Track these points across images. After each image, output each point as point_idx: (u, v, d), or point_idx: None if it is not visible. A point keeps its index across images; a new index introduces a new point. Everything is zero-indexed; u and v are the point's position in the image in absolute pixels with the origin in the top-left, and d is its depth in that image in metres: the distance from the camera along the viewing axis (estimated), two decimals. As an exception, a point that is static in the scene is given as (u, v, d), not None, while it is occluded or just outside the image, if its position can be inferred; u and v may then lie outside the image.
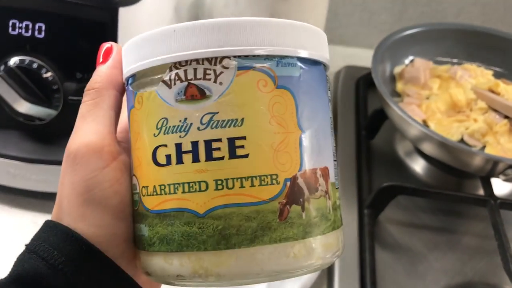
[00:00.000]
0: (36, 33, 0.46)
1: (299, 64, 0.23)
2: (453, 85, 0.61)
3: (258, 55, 0.22)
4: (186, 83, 0.22)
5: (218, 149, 0.22)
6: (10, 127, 0.51)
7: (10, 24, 0.46)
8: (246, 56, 0.22)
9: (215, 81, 0.22)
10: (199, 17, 0.69)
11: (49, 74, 0.46)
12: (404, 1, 0.77)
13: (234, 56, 0.22)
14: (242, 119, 0.22)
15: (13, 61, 0.46)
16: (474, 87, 0.61)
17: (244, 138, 0.22)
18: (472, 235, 0.55)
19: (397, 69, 0.65)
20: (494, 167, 0.49)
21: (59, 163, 0.50)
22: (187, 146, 0.22)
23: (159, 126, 0.22)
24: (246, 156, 0.22)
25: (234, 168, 0.22)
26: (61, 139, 0.51)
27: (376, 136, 0.64)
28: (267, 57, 0.22)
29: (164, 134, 0.22)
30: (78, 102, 0.46)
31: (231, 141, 0.22)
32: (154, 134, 0.23)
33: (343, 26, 0.82)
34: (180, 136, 0.22)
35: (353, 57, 0.81)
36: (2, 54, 0.46)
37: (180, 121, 0.22)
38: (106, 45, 0.27)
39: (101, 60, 0.27)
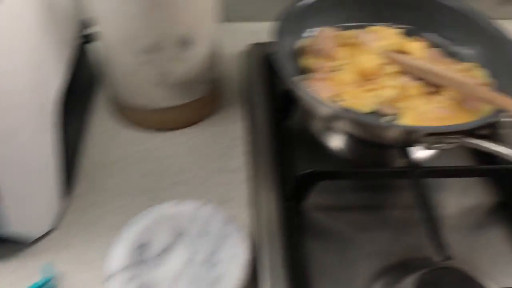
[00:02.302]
0: None
1: None
2: (360, 52, 0.58)
3: None
4: None
5: None
6: None
7: None
8: None
9: None
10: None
11: None
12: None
13: None
14: None
15: None
16: (384, 51, 0.57)
17: None
18: (400, 208, 0.52)
19: (300, 43, 0.61)
20: (411, 136, 0.46)
21: None
22: None
23: None
24: None
25: None
26: None
27: (290, 117, 0.60)
28: None
29: None
30: None
31: None
32: None
33: (242, 1, 0.76)
34: None
35: (260, 33, 0.76)
36: None
37: None
38: None
39: None
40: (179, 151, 0.58)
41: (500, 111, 0.47)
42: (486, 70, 0.57)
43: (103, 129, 0.60)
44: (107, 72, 0.57)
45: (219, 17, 0.58)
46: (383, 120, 0.53)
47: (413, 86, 0.53)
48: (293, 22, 0.60)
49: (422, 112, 0.52)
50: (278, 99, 0.60)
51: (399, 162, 0.53)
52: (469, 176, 0.52)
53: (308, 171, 0.48)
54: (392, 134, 0.47)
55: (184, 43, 0.52)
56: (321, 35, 0.61)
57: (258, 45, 0.71)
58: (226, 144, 0.59)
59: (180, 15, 0.50)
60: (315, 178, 0.48)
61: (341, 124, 0.49)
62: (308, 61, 0.59)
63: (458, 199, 0.53)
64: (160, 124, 0.59)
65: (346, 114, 0.46)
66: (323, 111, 0.49)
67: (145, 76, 0.54)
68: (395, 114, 0.54)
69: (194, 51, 0.54)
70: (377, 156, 0.56)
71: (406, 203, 0.53)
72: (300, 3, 0.60)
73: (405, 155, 0.50)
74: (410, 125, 0.50)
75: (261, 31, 0.78)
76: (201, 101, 0.60)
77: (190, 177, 0.55)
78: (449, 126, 0.45)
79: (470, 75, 0.57)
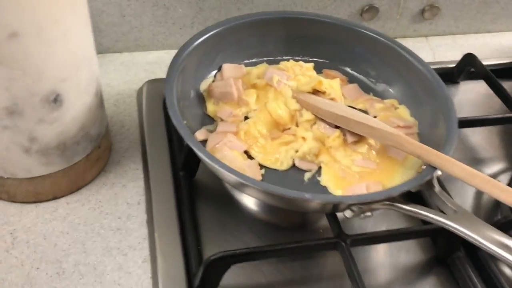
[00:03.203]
0: None
1: None
2: (272, 95, 0.50)
3: None
4: None
5: None
6: None
7: None
8: None
9: None
10: None
11: None
12: (200, -12, 0.64)
13: None
14: None
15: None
16: (294, 93, 0.50)
17: None
18: (328, 277, 0.45)
19: (204, 85, 0.52)
20: (332, 207, 0.39)
21: None
22: None
23: None
24: None
25: None
26: None
27: (197, 170, 0.51)
28: None
29: None
30: None
31: None
32: None
33: (136, 28, 0.66)
34: None
35: (157, 64, 0.67)
36: None
37: None
38: None
39: None
40: (59, 229, 0.47)
41: (430, 167, 0.42)
42: (407, 109, 0.52)
43: (-40, 205, 0.48)
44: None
45: (95, 62, 0.47)
46: (304, 176, 0.46)
47: (332, 136, 0.47)
48: (195, 59, 0.51)
49: (345, 166, 0.45)
50: (182, 151, 0.50)
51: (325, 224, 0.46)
52: (403, 240, 0.46)
53: (217, 255, 0.39)
54: (313, 206, 0.39)
55: (53, 101, 0.42)
56: (226, 74, 0.53)
57: (155, 82, 0.61)
58: (121, 214, 0.49)
59: (38, 71, 0.39)
60: (226, 263, 0.40)
61: (254, 194, 0.41)
62: (214, 107, 0.50)
63: (392, 259, 0.47)
64: (35, 196, 0.48)
65: (255, 184, 0.38)
66: (228, 179, 0.40)
67: (9, 143, 0.43)
68: (315, 170, 0.47)
69: (66, 109, 0.43)
70: (300, 217, 0.49)
71: (335, 271, 0.46)
72: (201, 37, 0.51)
73: (331, 220, 0.43)
74: (330, 196, 0.43)
75: (158, 61, 0.68)
76: (86, 161, 0.49)
77: (74, 265, 0.44)
78: (374, 193, 0.38)
79: (394, 114, 0.51)
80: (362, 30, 0.54)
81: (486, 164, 0.58)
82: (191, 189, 0.50)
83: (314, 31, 0.55)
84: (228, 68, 0.53)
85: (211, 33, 0.52)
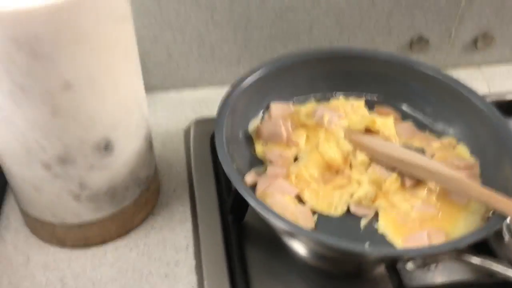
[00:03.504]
0: None
1: None
2: (323, 135, 0.48)
3: None
4: None
5: None
6: None
7: None
8: None
9: None
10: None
11: None
12: (244, 26, 0.63)
13: None
14: None
15: None
16: (347, 134, 0.48)
17: None
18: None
19: (252, 125, 0.51)
20: (392, 260, 0.37)
21: None
22: None
23: None
24: None
25: None
26: None
27: (246, 215, 0.50)
28: None
29: None
30: None
31: None
32: None
33: (182, 67, 0.66)
34: None
35: (204, 102, 0.66)
36: None
37: None
38: None
39: None
40: (107, 276, 0.46)
41: (497, 214, 0.39)
42: (467, 147, 0.49)
43: (10, 249, 0.48)
44: (12, 184, 0.45)
45: (145, 108, 0.47)
46: (360, 223, 0.44)
47: (389, 180, 0.44)
48: (243, 100, 0.50)
49: (404, 212, 0.43)
50: (231, 194, 0.49)
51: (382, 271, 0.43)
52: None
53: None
54: (370, 257, 0.37)
55: (104, 148, 0.41)
56: (274, 114, 0.51)
57: (203, 120, 0.61)
58: (169, 259, 0.48)
59: (90, 120, 0.39)
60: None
61: (305, 242, 0.39)
62: (263, 148, 0.49)
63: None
64: (84, 240, 0.48)
65: (309, 235, 0.36)
66: (280, 228, 0.38)
67: (60, 190, 0.43)
68: (372, 216, 0.44)
69: (117, 155, 0.43)
70: (354, 264, 0.46)
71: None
72: (249, 77, 0.50)
73: (390, 269, 0.40)
74: (392, 250, 0.40)
75: (206, 98, 0.68)
76: (135, 205, 0.48)
77: (123, 315, 0.43)
78: (439, 246, 0.36)
79: (453, 153, 0.48)
80: (416, 66, 0.51)
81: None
82: (239, 233, 0.48)
83: (364, 67, 0.54)
84: (276, 107, 0.52)
85: (260, 72, 0.51)
